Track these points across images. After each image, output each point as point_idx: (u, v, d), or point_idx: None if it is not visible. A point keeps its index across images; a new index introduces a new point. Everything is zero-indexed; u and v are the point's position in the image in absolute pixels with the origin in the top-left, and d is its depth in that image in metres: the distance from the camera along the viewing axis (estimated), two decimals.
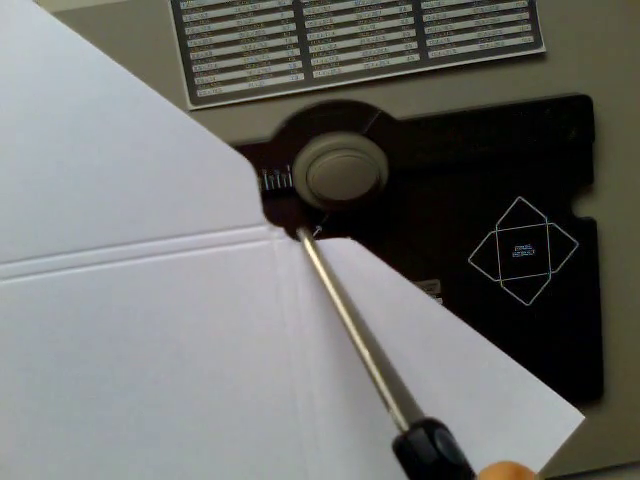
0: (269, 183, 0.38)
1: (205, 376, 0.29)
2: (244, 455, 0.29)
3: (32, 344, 0.28)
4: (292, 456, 0.29)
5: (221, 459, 0.29)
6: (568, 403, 0.29)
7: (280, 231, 0.28)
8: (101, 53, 0.27)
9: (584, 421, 0.29)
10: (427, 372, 0.28)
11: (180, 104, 0.38)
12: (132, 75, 0.27)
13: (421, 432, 0.20)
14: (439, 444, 0.20)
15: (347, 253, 0.28)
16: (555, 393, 0.29)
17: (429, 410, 0.22)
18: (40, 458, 0.29)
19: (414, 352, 0.28)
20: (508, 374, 0.29)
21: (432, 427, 0.20)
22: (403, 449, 0.20)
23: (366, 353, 0.23)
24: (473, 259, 0.41)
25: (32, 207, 0.27)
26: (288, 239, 0.28)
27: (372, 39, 0.39)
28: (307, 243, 0.27)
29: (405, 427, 0.21)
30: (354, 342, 0.24)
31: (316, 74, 0.39)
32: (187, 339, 0.28)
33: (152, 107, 0.27)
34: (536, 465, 0.27)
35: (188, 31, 0.38)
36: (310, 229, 0.40)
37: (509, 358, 0.29)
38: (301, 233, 0.28)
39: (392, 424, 0.21)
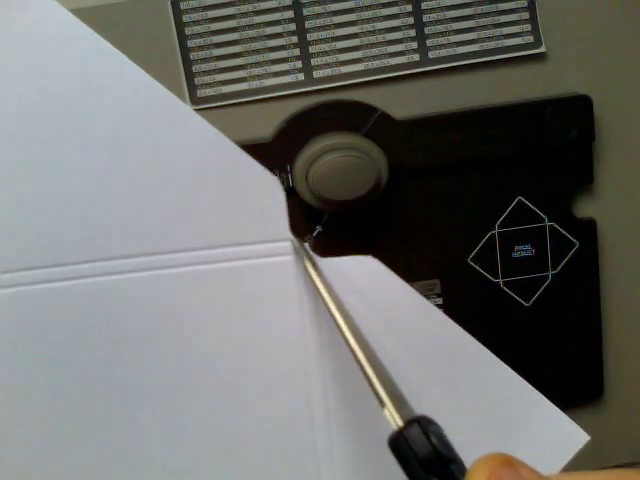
0: None
1: (227, 384, 0.29)
2: (260, 462, 0.30)
3: (61, 347, 0.29)
4: (307, 465, 0.30)
5: (238, 465, 0.30)
6: (574, 422, 0.29)
7: (305, 246, 0.29)
8: (137, 67, 0.28)
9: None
10: (436, 388, 0.29)
11: None
12: (166, 90, 0.28)
13: (416, 427, 0.21)
14: (433, 439, 0.20)
15: (366, 271, 0.29)
16: (561, 412, 0.29)
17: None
18: (64, 458, 0.30)
19: (425, 369, 0.29)
20: (516, 392, 0.29)
21: (426, 423, 0.21)
22: (399, 444, 0.21)
23: (360, 355, 0.24)
24: (473, 259, 0.41)
25: (68, 217, 0.28)
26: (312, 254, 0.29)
27: (372, 39, 0.39)
28: (306, 261, 0.28)
29: (400, 423, 0.21)
30: (349, 345, 0.25)
31: (316, 74, 0.39)
32: (211, 348, 0.29)
33: (185, 123, 0.28)
34: None
35: (188, 31, 0.38)
36: (310, 229, 0.40)
37: (518, 376, 0.29)
38: (296, 243, 0.29)
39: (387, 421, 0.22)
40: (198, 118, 0.28)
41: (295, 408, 0.29)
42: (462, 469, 0.20)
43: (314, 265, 0.28)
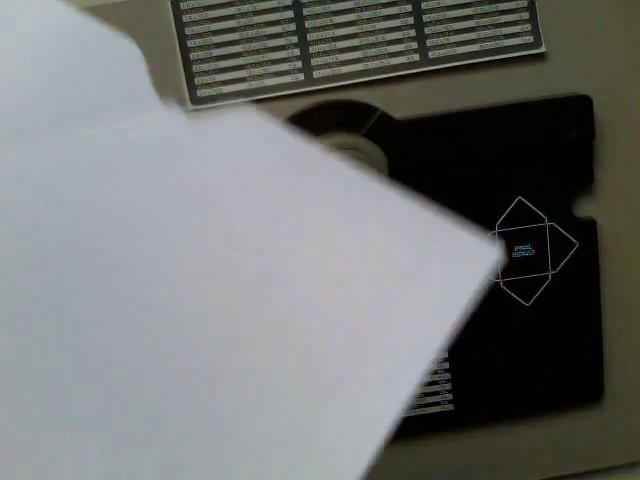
0: None
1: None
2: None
3: None
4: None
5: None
6: (480, 239, 0.27)
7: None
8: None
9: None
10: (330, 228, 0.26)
11: (180, 104, 0.38)
12: None
13: None
14: None
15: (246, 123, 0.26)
16: (466, 231, 0.27)
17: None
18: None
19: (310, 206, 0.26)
20: (417, 221, 0.27)
21: None
22: None
23: None
24: None
25: None
26: None
27: (372, 39, 0.39)
28: None
29: None
30: None
31: (316, 74, 0.39)
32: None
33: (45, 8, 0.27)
34: (454, 311, 0.26)
35: (188, 31, 0.38)
36: None
37: (417, 205, 0.27)
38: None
39: None
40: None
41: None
42: None
43: None
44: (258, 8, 0.38)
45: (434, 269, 0.26)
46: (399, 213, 0.27)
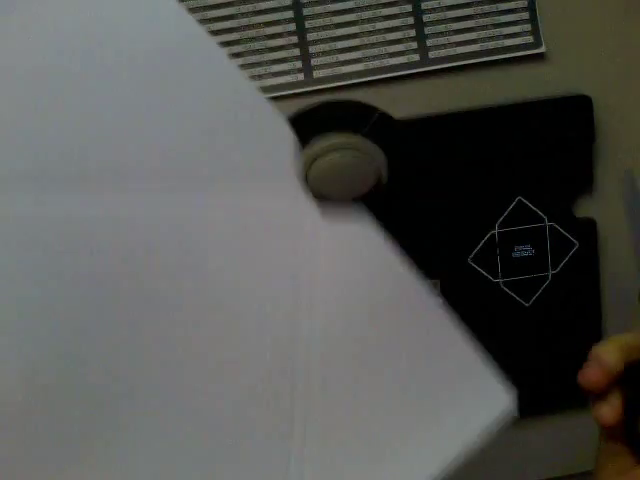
0: None
1: (215, 304, 0.29)
2: (237, 391, 0.29)
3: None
4: (282, 401, 0.29)
5: (215, 391, 0.29)
6: (502, 387, 0.30)
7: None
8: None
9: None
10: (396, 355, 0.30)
11: None
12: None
13: None
14: None
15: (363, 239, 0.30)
16: (493, 376, 0.30)
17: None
18: None
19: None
20: (457, 355, 0.30)
21: None
22: None
23: None
24: (473, 259, 0.41)
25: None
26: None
27: (372, 39, 0.39)
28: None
29: None
30: None
31: (316, 74, 0.39)
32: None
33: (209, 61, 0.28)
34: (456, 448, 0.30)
35: None
36: None
37: (467, 342, 0.30)
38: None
39: None
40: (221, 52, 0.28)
41: (277, 343, 0.29)
42: None
43: None
44: (258, 8, 0.38)
45: (452, 401, 0.30)
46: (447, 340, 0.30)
